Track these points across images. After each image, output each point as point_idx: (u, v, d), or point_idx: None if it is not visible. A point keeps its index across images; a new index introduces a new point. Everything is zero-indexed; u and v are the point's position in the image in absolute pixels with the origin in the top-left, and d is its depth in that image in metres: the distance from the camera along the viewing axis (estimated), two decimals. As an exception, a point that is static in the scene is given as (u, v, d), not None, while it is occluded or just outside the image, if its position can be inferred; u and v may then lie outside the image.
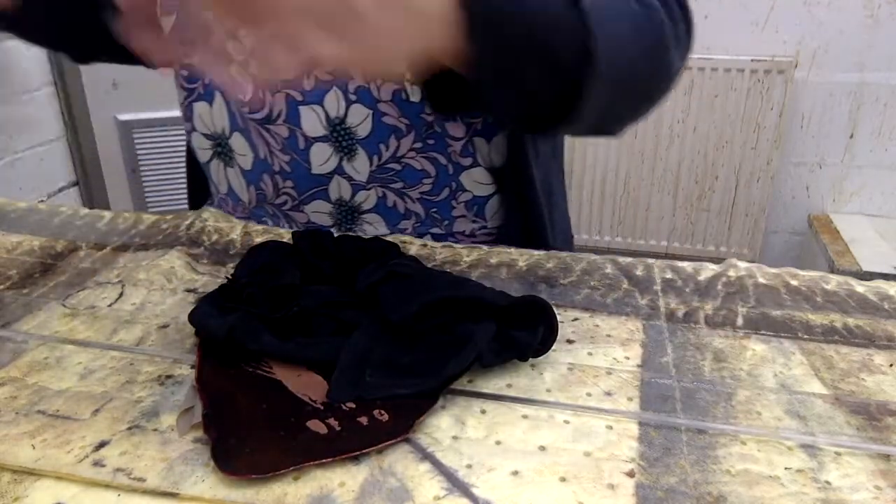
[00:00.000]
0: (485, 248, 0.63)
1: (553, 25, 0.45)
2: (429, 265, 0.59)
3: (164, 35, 0.45)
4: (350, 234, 0.65)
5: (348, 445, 0.38)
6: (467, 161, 0.67)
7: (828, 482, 0.37)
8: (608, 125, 0.55)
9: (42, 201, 1.78)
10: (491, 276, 0.58)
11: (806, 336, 0.50)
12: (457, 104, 0.63)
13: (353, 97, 0.63)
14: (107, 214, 0.71)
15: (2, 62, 1.74)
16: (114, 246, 0.64)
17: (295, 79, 0.62)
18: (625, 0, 0.50)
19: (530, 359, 0.46)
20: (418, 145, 0.65)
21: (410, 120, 0.64)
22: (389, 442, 0.38)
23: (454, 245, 0.63)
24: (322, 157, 0.66)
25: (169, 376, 0.45)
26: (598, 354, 0.47)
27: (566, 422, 0.41)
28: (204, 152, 0.72)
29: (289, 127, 0.64)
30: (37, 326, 0.51)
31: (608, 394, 0.43)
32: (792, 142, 2.10)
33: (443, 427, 0.40)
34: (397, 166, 0.66)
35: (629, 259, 0.61)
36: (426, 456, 0.38)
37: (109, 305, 0.53)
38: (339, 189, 0.67)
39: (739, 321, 0.51)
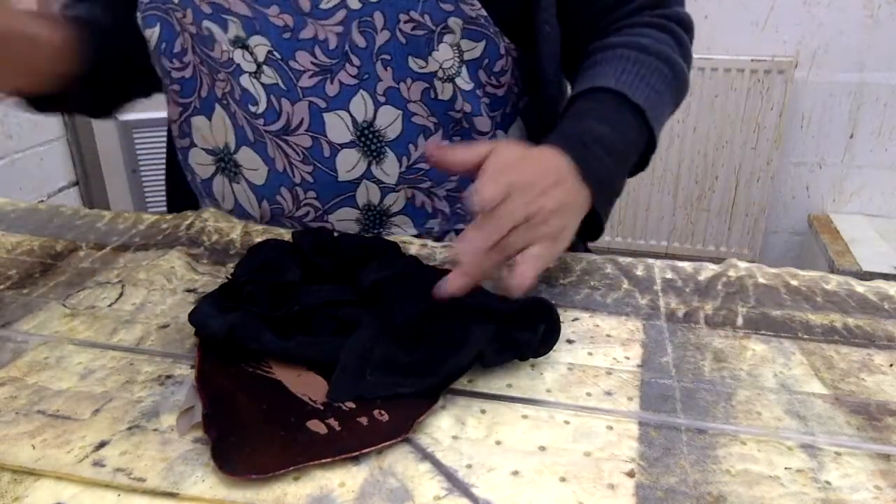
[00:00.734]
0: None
1: (636, 153, 0.61)
2: (429, 265, 0.59)
3: None
4: (351, 233, 0.65)
5: (348, 445, 0.38)
6: None
7: (828, 482, 0.37)
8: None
9: (42, 201, 1.78)
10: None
11: (806, 336, 0.50)
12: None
13: (381, 99, 0.61)
14: (107, 214, 0.70)
15: (2, 62, 1.74)
16: (114, 246, 0.64)
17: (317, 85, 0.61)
18: (658, 68, 0.62)
19: (531, 359, 0.46)
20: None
21: (438, 118, 0.63)
22: (389, 442, 0.38)
23: (454, 245, 0.63)
24: (349, 164, 0.64)
25: (169, 376, 0.45)
26: (598, 354, 0.47)
27: (566, 422, 0.41)
28: (205, 168, 0.70)
29: (312, 136, 0.62)
30: (37, 326, 0.51)
31: (608, 394, 0.43)
32: (792, 142, 2.10)
33: (443, 427, 0.40)
34: (425, 165, 0.65)
35: (629, 259, 0.61)
36: (426, 456, 0.38)
37: (109, 305, 0.53)
38: (367, 194, 0.65)
39: (739, 321, 0.51)
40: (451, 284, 0.45)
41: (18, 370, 0.46)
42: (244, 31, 0.60)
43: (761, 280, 0.57)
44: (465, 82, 0.62)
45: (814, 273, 0.58)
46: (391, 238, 0.61)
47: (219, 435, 0.38)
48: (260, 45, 0.60)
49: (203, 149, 0.69)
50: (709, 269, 0.59)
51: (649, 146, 0.61)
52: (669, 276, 0.58)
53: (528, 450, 0.39)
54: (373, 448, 0.38)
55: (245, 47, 0.60)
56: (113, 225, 0.68)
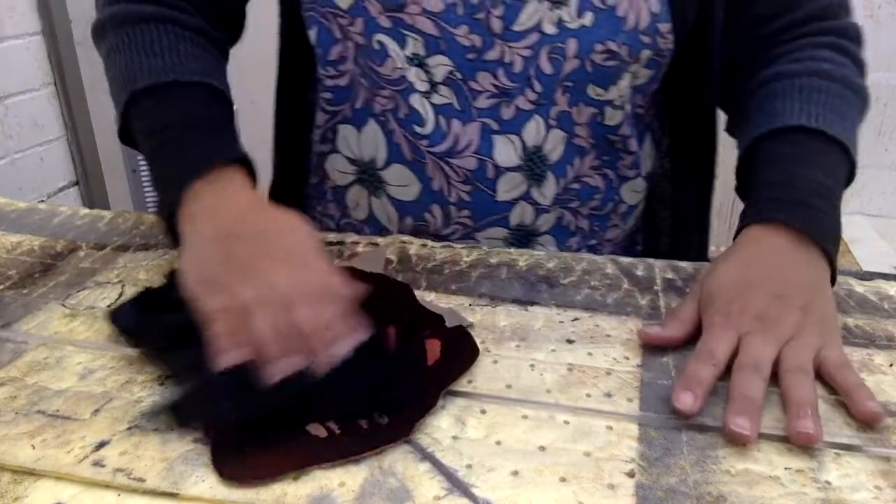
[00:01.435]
0: (484, 248, 0.63)
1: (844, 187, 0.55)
2: (428, 265, 0.59)
3: None
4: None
5: (349, 448, 0.38)
6: (632, 173, 0.66)
7: (828, 482, 0.37)
8: None
9: (42, 201, 1.78)
10: (491, 276, 0.58)
11: (806, 336, 0.50)
12: None
13: (553, 123, 0.60)
14: (107, 214, 0.70)
15: (2, 62, 1.74)
16: (114, 246, 0.64)
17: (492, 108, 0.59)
18: (844, 95, 0.58)
19: (531, 360, 0.46)
20: (596, 163, 0.64)
21: (596, 140, 0.62)
22: (389, 445, 0.38)
23: (454, 245, 0.63)
24: (510, 185, 0.62)
25: (169, 376, 0.45)
26: (598, 354, 0.47)
27: (566, 422, 0.41)
28: (343, 175, 0.67)
29: (478, 158, 0.61)
30: (37, 326, 0.51)
31: (608, 394, 0.43)
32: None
33: (443, 427, 0.40)
34: (577, 185, 0.64)
35: (630, 259, 0.61)
36: (426, 456, 0.38)
37: (109, 305, 0.53)
38: (521, 214, 0.64)
39: (739, 321, 0.51)
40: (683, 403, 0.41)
41: (18, 370, 0.46)
42: (424, 50, 0.57)
43: (761, 280, 0.57)
44: (629, 107, 0.62)
45: (814, 273, 0.58)
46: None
47: (217, 438, 0.38)
48: (441, 64, 0.58)
49: (346, 157, 0.66)
50: (707, 268, 0.59)
51: (848, 178, 0.57)
52: (670, 276, 0.58)
53: (528, 450, 0.39)
54: (373, 452, 0.38)
55: (422, 66, 0.58)
56: (113, 225, 0.68)
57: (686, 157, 0.68)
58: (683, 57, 0.61)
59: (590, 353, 0.47)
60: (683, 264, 0.60)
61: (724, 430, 0.39)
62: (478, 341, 0.48)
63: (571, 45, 0.56)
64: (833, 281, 0.50)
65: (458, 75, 0.58)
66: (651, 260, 0.61)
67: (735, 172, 0.60)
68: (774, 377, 0.43)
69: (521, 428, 0.40)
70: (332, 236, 0.64)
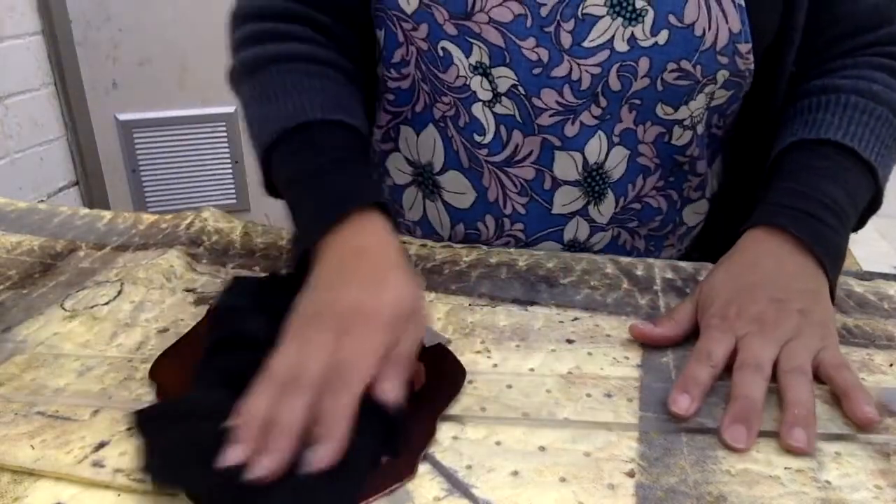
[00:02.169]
0: (484, 248, 0.63)
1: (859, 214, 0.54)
2: (428, 265, 0.59)
3: None
4: None
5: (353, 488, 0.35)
6: (697, 195, 0.65)
7: (828, 482, 0.37)
8: None
9: (42, 201, 1.79)
10: (491, 276, 0.58)
11: (806, 336, 0.50)
12: None
13: (615, 140, 0.59)
14: (107, 214, 0.70)
15: (2, 62, 1.74)
16: (113, 246, 0.64)
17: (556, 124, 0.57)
18: (888, 120, 0.56)
19: (532, 360, 0.46)
20: (660, 183, 0.62)
21: (661, 160, 0.61)
22: (397, 486, 0.36)
23: (453, 245, 0.63)
24: (566, 199, 0.61)
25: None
26: (598, 354, 0.47)
27: (566, 422, 0.41)
28: (401, 175, 0.67)
29: (536, 168, 0.59)
30: (37, 326, 0.51)
31: (608, 394, 0.43)
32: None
33: (442, 427, 0.40)
34: (638, 206, 0.62)
35: (629, 259, 0.61)
36: (426, 456, 0.38)
37: (107, 304, 0.53)
38: (575, 230, 0.63)
39: (739, 321, 0.51)
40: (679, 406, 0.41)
41: (18, 369, 0.45)
42: (489, 59, 0.56)
43: (761, 280, 0.57)
44: (702, 128, 0.60)
45: (814, 273, 0.58)
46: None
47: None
48: (504, 76, 0.56)
49: (405, 157, 0.66)
50: (709, 270, 0.59)
51: (871, 205, 0.56)
52: (669, 275, 0.58)
53: (528, 450, 0.39)
54: (384, 493, 0.35)
55: (486, 75, 0.57)
56: (113, 225, 0.68)
57: (747, 175, 0.66)
58: (758, 77, 0.59)
59: (590, 353, 0.47)
60: (683, 264, 0.60)
61: (719, 436, 0.39)
62: (478, 341, 0.48)
63: (643, 63, 0.54)
64: (832, 296, 0.49)
65: (522, 90, 0.56)
66: (651, 260, 0.61)
67: (765, 170, 0.59)
68: (773, 377, 0.43)
69: (520, 428, 0.40)
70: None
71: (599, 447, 0.39)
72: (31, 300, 0.54)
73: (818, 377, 0.43)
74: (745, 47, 0.54)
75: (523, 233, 0.63)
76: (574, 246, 0.64)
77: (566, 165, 0.59)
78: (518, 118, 0.58)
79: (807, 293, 0.47)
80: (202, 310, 0.53)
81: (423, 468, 0.37)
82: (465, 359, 0.46)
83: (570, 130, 0.58)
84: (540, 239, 0.63)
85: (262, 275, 0.51)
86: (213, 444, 0.35)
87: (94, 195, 2.06)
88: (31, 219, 0.70)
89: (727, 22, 0.53)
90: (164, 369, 0.45)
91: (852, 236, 0.55)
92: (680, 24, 0.53)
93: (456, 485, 0.36)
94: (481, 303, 0.54)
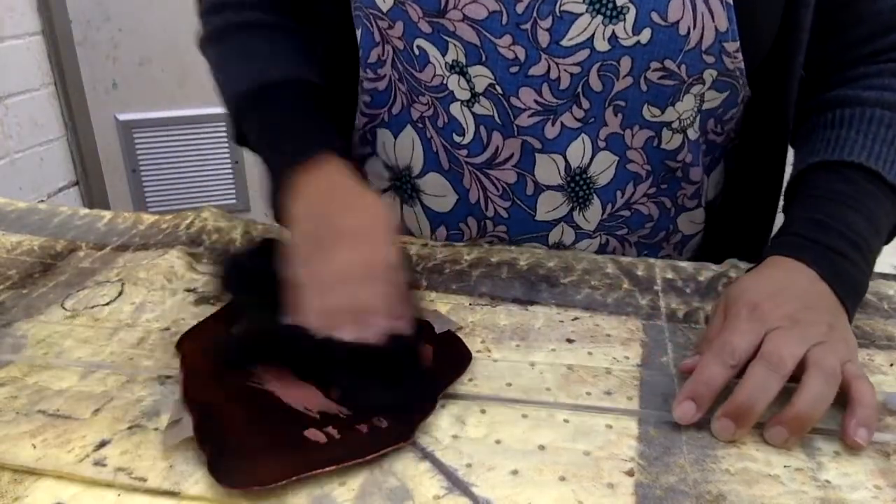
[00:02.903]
0: (485, 245, 0.63)
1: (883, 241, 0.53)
2: (429, 265, 0.59)
3: None
4: None
5: (349, 453, 0.37)
6: (693, 203, 0.64)
7: (827, 481, 0.37)
8: None
9: (42, 201, 1.79)
10: (491, 276, 0.58)
11: (806, 335, 0.50)
12: None
13: (601, 144, 0.57)
14: (107, 214, 0.71)
15: (2, 62, 1.74)
16: (114, 246, 0.64)
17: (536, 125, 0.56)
18: None
19: (531, 359, 0.46)
20: (652, 190, 0.61)
21: (653, 166, 0.59)
22: (390, 448, 0.38)
23: (454, 244, 0.63)
24: (551, 205, 0.60)
25: (169, 376, 0.45)
26: (598, 354, 0.47)
27: (566, 421, 0.41)
28: (379, 180, 0.67)
29: (518, 172, 0.58)
30: (37, 326, 0.51)
31: (608, 393, 0.43)
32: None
33: (443, 426, 0.40)
34: (627, 213, 0.61)
35: (630, 259, 0.61)
36: (426, 455, 0.38)
37: (108, 304, 0.53)
38: (560, 235, 0.62)
39: (739, 321, 0.51)
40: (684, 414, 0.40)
41: (18, 370, 0.46)
42: (465, 58, 0.55)
43: (761, 280, 0.57)
44: (694, 132, 0.59)
45: (813, 273, 0.58)
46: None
47: (214, 449, 0.37)
48: (481, 75, 0.55)
49: (384, 162, 0.66)
50: (710, 270, 0.59)
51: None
52: (670, 276, 0.58)
53: (528, 449, 0.39)
54: (374, 455, 0.37)
55: (463, 74, 0.56)
56: (113, 225, 0.68)
57: (753, 184, 0.65)
58: (761, 78, 0.57)
59: (590, 353, 0.47)
60: (684, 264, 0.60)
61: (711, 426, 0.40)
62: (478, 340, 0.48)
63: (625, 63, 0.53)
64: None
65: (499, 89, 0.55)
66: (651, 260, 0.61)
67: (784, 193, 0.58)
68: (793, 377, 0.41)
69: (520, 427, 0.40)
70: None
71: (599, 446, 0.39)
72: (31, 300, 0.54)
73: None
74: (732, 46, 0.52)
75: (506, 234, 0.63)
76: (558, 248, 0.63)
77: (548, 169, 0.58)
78: (497, 119, 0.57)
79: (833, 310, 0.45)
80: (203, 310, 0.53)
81: (423, 466, 0.37)
82: (466, 358, 0.46)
83: (551, 132, 0.57)
84: (523, 241, 0.63)
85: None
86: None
87: (94, 195, 2.06)
88: (31, 219, 0.70)
89: (713, 20, 0.51)
90: (190, 342, 0.48)
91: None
92: (663, 23, 0.51)
93: (456, 483, 0.36)
94: (482, 302, 0.54)
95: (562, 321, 0.51)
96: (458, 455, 0.38)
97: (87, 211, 0.71)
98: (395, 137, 0.63)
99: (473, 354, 0.47)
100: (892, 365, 0.47)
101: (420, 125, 0.61)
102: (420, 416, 0.40)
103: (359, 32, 0.60)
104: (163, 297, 0.55)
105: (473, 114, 0.57)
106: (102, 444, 0.38)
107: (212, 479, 0.36)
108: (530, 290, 0.55)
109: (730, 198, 0.67)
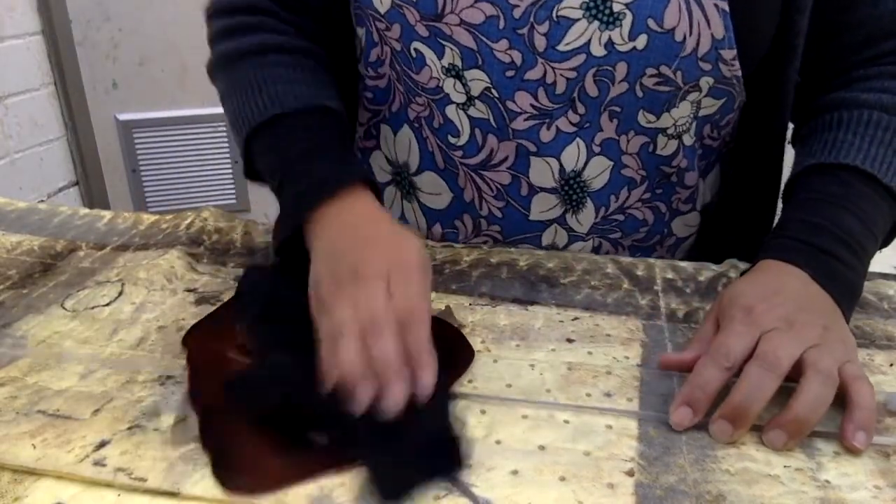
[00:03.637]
0: (485, 247, 0.63)
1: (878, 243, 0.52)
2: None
3: None
4: None
5: (352, 454, 0.37)
6: (687, 207, 0.64)
7: (827, 481, 0.37)
8: None
9: (42, 201, 1.78)
10: (491, 276, 0.58)
11: (806, 336, 0.50)
12: None
13: (596, 149, 0.57)
14: (107, 214, 0.71)
15: (2, 62, 1.74)
16: (114, 246, 0.64)
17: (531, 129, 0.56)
18: None
19: (531, 359, 0.46)
20: (647, 195, 0.61)
21: (648, 171, 0.59)
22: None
23: (454, 245, 0.63)
24: (544, 206, 0.60)
25: (169, 376, 0.45)
26: (599, 354, 0.47)
27: (566, 421, 0.41)
28: (382, 173, 0.67)
29: (512, 174, 0.59)
30: (37, 326, 0.51)
31: (608, 393, 0.43)
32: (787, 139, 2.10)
33: (443, 426, 0.40)
34: (620, 217, 0.61)
35: (630, 259, 0.61)
36: (426, 455, 0.38)
37: (109, 304, 0.53)
38: (553, 237, 0.62)
39: (739, 321, 0.51)
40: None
41: (18, 370, 0.46)
42: (461, 62, 0.55)
43: (761, 280, 0.57)
44: (689, 138, 0.59)
45: (813, 273, 0.58)
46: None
47: (217, 450, 0.37)
48: (477, 79, 0.55)
49: (385, 156, 0.66)
50: (710, 270, 0.59)
51: (893, 229, 0.54)
52: (670, 276, 0.58)
53: (528, 449, 0.39)
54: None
55: (459, 77, 0.56)
56: (113, 225, 0.68)
57: (748, 186, 0.65)
58: (756, 82, 0.57)
59: (590, 353, 0.47)
60: (683, 264, 0.60)
61: (709, 428, 0.40)
62: (478, 341, 0.48)
63: (621, 69, 0.53)
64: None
65: (495, 93, 0.55)
66: (651, 260, 0.61)
67: (781, 194, 0.58)
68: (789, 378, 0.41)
69: (520, 427, 0.40)
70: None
71: (599, 446, 0.39)
72: (31, 300, 0.54)
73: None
74: (729, 54, 0.52)
75: (500, 234, 0.63)
76: (552, 249, 0.63)
77: (542, 172, 0.58)
78: (492, 122, 0.57)
79: (829, 311, 0.45)
80: (203, 309, 0.53)
81: (423, 467, 0.37)
82: (466, 358, 0.46)
83: (546, 136, 0.57)
84: (517, 242, 0.63)
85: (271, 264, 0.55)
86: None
87: (94, 195, 2.06)
88: (31, 219, 0.70)
89: (710, 27, 0.51)
90: (196, 337, 0.48)
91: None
92: (659, 29, 0.51)
93: (456, 483, 0.36)
94: (482, 302, 0.54)
95: (562, 321, 0.51)
96: (458, 455, 0.38)
97: (87, 211, 0.71)
98: (395, 134, 0.64)
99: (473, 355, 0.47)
100: (892, 365, 0.47)
101: (416, 125, 0.61)
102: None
103: (362, 31, 0.60)
104: (163, 297, 0.55)
105: (469, 116, 0.58)
106: (102, 445, 0.38)
107: (212, 479, 0.36)
108: (530, 290, 0.55)
109: (727, 201, 0.67)
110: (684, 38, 0.51)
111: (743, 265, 0.59)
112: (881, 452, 0.39)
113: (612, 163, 0.58)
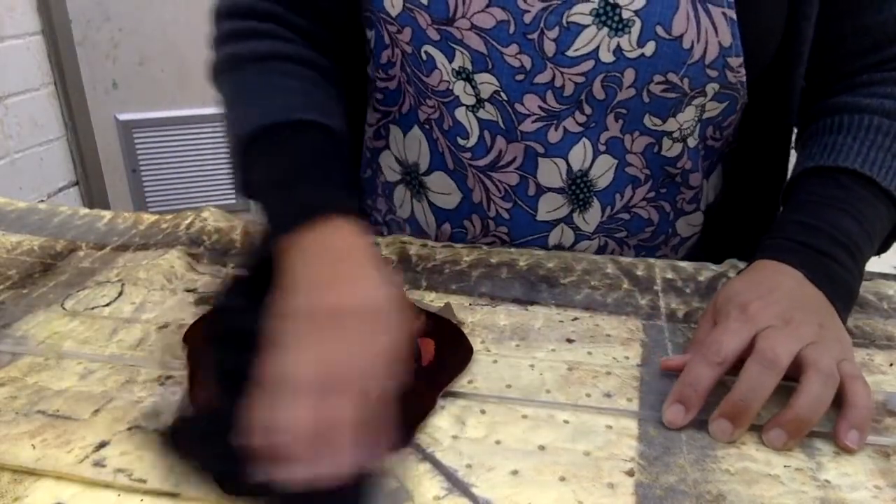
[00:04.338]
0: (485, 247, 0.63)
1: (876, 247, 0.53)
2: (429, 265, 0.59)
3: None
4: None
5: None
6: (691, 207, 0.64)
7: (827, 481, 0.37)
8: None
9: (42, 201, 1.78)
10: (491, 276, 0.58)
11: (806, 335, 0.50)
12: None
13: (602, 148, 0.58)
14: (107, 214, 0.71)
15: (2, 62, 1.74)
16: (114, 246, 0.64)
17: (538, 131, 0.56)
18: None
19: (530, 359, 0.46)
20: (651, 195, 0.61)
21: (652, 171, 0.60)
22: (391, 454, 0.37)
23: (454, 245, 0.63)
24: (551, 206, 0.61)
25: (169, 377, 0.45)
26: (598, 354, 0.47)
27: (566, 421, 0.41)
28: (392, 173, 0.67)
29: (520, 174, 0.59)
30: (37, 326, 0.51)
31: (608, 394, 0.43)
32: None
33: (443, 427, 0.40)
34: (626, 216, 0.62)
35: (630, 259, 0.61)
36: (426, 456, 0.38)
37: (108, 304, 0.53)
38: (560, 237, 0.62)
39: (739, 321, 0.51)
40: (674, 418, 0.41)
41: (18, 370, 0.46)
42: (472, 65, 0.55)
43: (761, 279, 0.57)
44: (693, 140, 0.59)
45: (813, 272, 0.58)
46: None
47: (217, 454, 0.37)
48: (486, 82, 0.56)
49: (395, 156, 0.66)
50: (709, 270, 0.59)
51: (892, 233, 0.54)
52: (670, 276, 0.58)
53: (528, 449, 0.39)
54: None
55: (469, 80, 0.56)
56: (113, 225, 0.68)
57: (750, 185, 0.65)
58: (761, 87, 0.57)
59: (589, 353, 0.47)
60: (683, 264, 0.60)
61: (709, 427, 0.40)
62: (478, 341, 0.48)
63: (629, 75, 0.53)
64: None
65: (504, 96, 0.56)
66: (651, 260, 0.61)
67: (780, 197, 0.59)
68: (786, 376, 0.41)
69: (520, 427, 0.40)
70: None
71: (599, 446, 0.39)
72: (31, 300, 0.54)
73: None
74: (736, 61, 0.53)
75: (508, 235, 0.63)
76: (558, 249, 0.63)
77: (550, 172, 0.59)
78: (501, 124, 0.57)
79: (825, 311, 0.45)
80: (203, 310, 0.53)
81: (423, 467, 0.37)
82: (465, 358, 0.46)
83: (554, 136, 0.57)
84: (523, 244, 0.63)
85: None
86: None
87: (94, 195, 2.06)
88: (31, 219, 0.70)
89: (717, 35, 0.51)
90: (195, 335, 0.47)
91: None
92: (668, 36, 0.51)
93: (456, 484, 0.36)
94: (482, 302, 0.54)
95: (562, 321, 0.51)
96: (458, 456, 0.38)
97: (87, 211, 0.71)
98: (405, 135, 0.64)
99: (473, 355, 0.47)
100: (891, 365, 0.47)
101: (427, 126, 0.62)
102: (418, 420, 0.40)
103: (371, 34, 0.60)
104: (163, 297, 0.55)
105: (478, 119, 0.58)
106: (102, 445, 0.38)
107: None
108: (530, 291, 0.55)
109: (731, 201, 0.67)
110: (692, 45, 0.51)
111: (742, 265, 0.59)
112: (881, 452, 0.39)
113: (616, 161, 0.59)
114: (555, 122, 0.56)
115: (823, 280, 0.47)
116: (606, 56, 0.53)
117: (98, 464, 0.37)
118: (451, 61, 0.56)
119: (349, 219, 0.45)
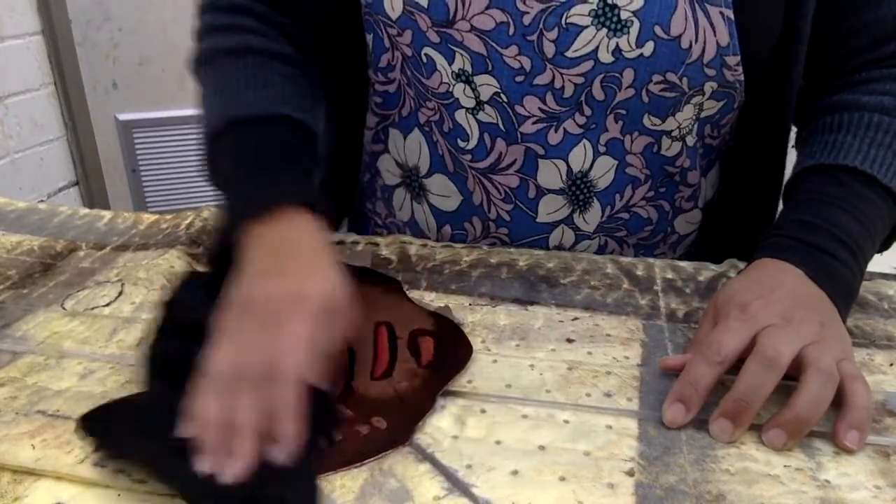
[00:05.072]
0: (485, 247, 0.63)
1: (877, 245, 0.52)
2: (429, 265, 0.59)
3: None
4: None
5: (350, 455, 0.37)
6: (690, 205, 0.64)
7: (827, 480, 0.37)
8: None
9: (42, 201, 1.78)
10: (491, 276, 0.58)
11: (806, 335, 0.50)
12: None
13: (602, 149, 0.58)
14: (106, 214, 0.71)
15: (2, 62, 1.74)
16: (113, 246, 0.64)
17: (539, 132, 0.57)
18: None
19: (530, 359, 0.46)
20: (650, 194, 0.61)
21: (652, 171, 0.60)
22: (390, 451, 0.38)
23: (454, 245, 0.63)
24: (551, 208, 0.61)
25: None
26: (598, 354, 0.47)
27: (566, 421, 0.41)
28: (391, 176, 0.67)
29: (521, 177, 0.59)
30: (37, 326, 0.51)
31: (608, 393, 0.43)
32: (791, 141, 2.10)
33: (443, 427, 0.40)
34: (626, 215, 0.62)
35: (630, 259, 0.61)
36: (426, 456, 0.38)
37: (108, 304, 0.53)
38: (561, 238, 0.62)
39: (739, 321, 0.51)
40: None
41: (18, 370, 0.46)
42: (471, 67, 0.56)
43: (761, 279, 0.57)
44: (692, 139, 0.59)
45: (813, 272, 0.58)
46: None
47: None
48: (486, 84, 0.56)
49: (395, 160, 0.66)
50: (709, 270, 0.59)
51: (894, 231, 0.54)
52: (670, 276, 0.58)
53: (528, 449, 0.39)
54: (374, 458, 0.37)
55: (469, 82, 0.57)
56: (113, 225, 0.68)
57: (747, 182, 0.65)
58: (759, 85, 0.58)
59: (589, 353, 0.47)
60: (683, 264, 0.60)
61: (709, 427, 0.40)
62: (478, 340, 0.48)
63: (628, 75, 0.54)
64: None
65: (504, 98, 0.56)
66: (651, 260, 0.61)
67: (781, 195, 0.59)
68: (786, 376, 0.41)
69: (520, 427, 0.40)
70: (334, 236, 0.64)
71: (599, 446, 0.39)
72: (31, 300, 0.54)
73: None
74: (733, 60, 0.53)
75: (508, 237, 0.63)
76: (559, 250, 0.63)
77: (550, 174, 0.59)
78: (501, 126, 0.57)
79: (826, 309, 0.45)
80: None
81: (423, 467, 0.37)
82: (465, 358, 0.46)
83: (554, 138, 0.57)
84: (524, 245, 0.63)
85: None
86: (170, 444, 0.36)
87: (94, 195, 2.06)
88: (31, 219, 0.70)
89: (715, 34, 0.51)
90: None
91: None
92: (666, 36, 0.51)
93: (456, 484, 0.36)
94: (481, 302, 0.54)
95: (562, 321, 0.51)
96: (458, 456, 0.38)
97: (87, 211, 0.71)
98: (405, 138, 0.64)
99: (473, 354, 0.47)
100: (892, 365, 0.47)
101: (427, 129, 0.62)
102: (417, 418, 0.40)
103: (370, 37, 0.60)
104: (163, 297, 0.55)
105: (478, 121, 0.58)
106: (102, 445, 0.38)
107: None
108: (530, 291, 0.55)
109: (729, 199, 0.67)
110: (690, 45, 0.52)
111: (742, 265, 0.59)
112: (881, 452, 0.39)
113: (616, 162, 0.59)
114: (555, 123, 0.56)
115: (824, 278, 0.47)
116: (605, 57, 0.53)
117: (98, 464, 0.37)
118: (450, 63, 0.56)
119: (306, 211, 0.47)
